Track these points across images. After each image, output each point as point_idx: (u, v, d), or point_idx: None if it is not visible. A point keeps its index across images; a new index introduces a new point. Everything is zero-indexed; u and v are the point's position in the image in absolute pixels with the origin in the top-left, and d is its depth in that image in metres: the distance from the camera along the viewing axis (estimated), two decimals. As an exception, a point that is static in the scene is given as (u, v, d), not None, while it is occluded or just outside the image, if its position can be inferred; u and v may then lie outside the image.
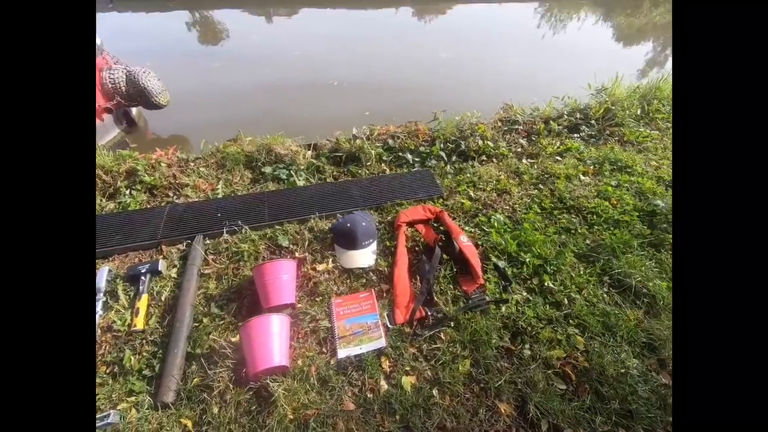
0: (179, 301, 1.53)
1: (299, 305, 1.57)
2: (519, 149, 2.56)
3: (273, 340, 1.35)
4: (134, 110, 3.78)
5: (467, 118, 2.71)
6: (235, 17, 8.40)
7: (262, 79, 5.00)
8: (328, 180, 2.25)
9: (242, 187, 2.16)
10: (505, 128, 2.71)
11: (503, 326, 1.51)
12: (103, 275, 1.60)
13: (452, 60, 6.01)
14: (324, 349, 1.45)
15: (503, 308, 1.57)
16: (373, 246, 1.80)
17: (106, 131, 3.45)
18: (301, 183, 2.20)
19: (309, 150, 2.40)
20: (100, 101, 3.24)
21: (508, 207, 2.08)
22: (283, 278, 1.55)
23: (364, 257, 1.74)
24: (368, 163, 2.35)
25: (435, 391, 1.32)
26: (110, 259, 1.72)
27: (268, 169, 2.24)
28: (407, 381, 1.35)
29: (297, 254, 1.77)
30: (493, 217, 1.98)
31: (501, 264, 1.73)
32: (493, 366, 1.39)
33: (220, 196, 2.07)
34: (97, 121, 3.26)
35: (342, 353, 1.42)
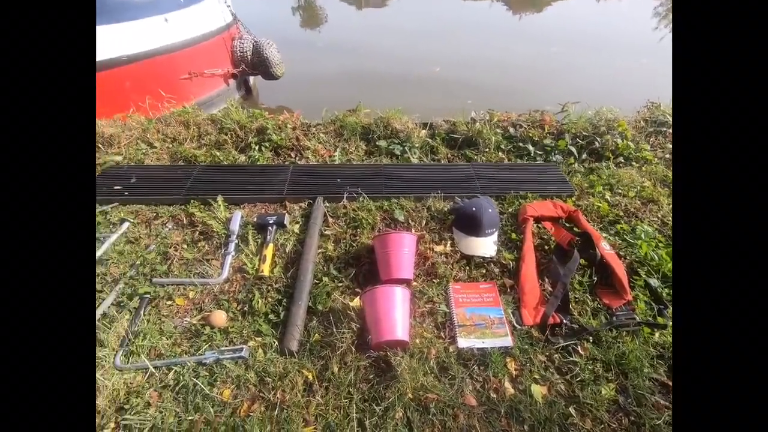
0: (302, 256, 1.57)
1: (414, 283, 1.50)
2: (668, 155, 2.17)
3: (396, 312, 1.29)
4: (251, 79, 4.11)
5: (603, 113, 2.38)
6: (333, 4, 8.69)
7: (359, 64, 5.08)
8: (441, 161, 2.15)
9: (357, 157, 2.16)
10: (650, 129, 2.32)
11: (658, 356, 1.27)
12: (236, 220, 1.71)
13: (562, 54, 5.46)
14: (442, 334, 1.36)
15: (657, 335, 1.32)
16: (495, 236, 1.65)
17: (228, 96, 3.79)
18: (414, 160, 2.13)
19: (424, 129, 2.31)
20: (229, 67, 3.58)
21: (656, 219, 1.76)
22: (404, 252, 1.49)
23: (486, 246, 1.60)
24: (486, 150, 2.19)
25: (572, 410, 1.15)
26: (242, 206, 1.83)
27: (383, 143, 2.21)
28: (537, 390, 1.20)
29: (413, 230, 1.70)
30: (639, 227, 1.69)
31: (653, 283, 1.46)
32: (648, 400, 1.16)
33: (337, 162, 2.10)
34: (223, 85, 3.62)
35: (463, 342, 1.31)
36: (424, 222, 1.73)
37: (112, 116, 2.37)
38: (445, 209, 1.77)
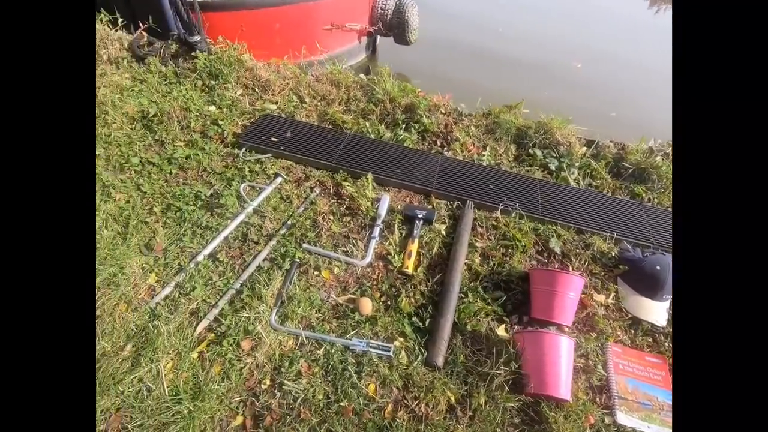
0: (450, 265, 1.48)
1: (567, 329, 1.36)
2: None
3: (561, 366, 1.17)
4: (378, 39, 3.94)
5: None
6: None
7: (486, 41, 4.60)
8: (602, 190, 1.88)
9: (506, 162, 1.97)
10: None
11: None
12: (385, 204, 1.66)
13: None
14: (597, 399, 1.22)
15: None
16: (669, 303, 1.42)
17: (357, 54, 3.68)
18: (571, 182, 1.88)
19: (587, 147, 2.03)
20: (366, 23, 3.44)
21: None
22: (569, 295, 1.34)
23: (659, 313, 1.39)
24: (660, 190, 1.87)
25: None
26: (387, 188, 1.77)
27: (538, 152, 1.98)
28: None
29: (571, 268, 1.53)
30: None
31: None
32: None
33: (484, 163, 1.93)
34: (355, 42, 3.51)
35: (623, 419, 1.17)
36: (585, 262, 1.54)
37: (260, 56, 2.38)
38: (612, 254, 1.55)
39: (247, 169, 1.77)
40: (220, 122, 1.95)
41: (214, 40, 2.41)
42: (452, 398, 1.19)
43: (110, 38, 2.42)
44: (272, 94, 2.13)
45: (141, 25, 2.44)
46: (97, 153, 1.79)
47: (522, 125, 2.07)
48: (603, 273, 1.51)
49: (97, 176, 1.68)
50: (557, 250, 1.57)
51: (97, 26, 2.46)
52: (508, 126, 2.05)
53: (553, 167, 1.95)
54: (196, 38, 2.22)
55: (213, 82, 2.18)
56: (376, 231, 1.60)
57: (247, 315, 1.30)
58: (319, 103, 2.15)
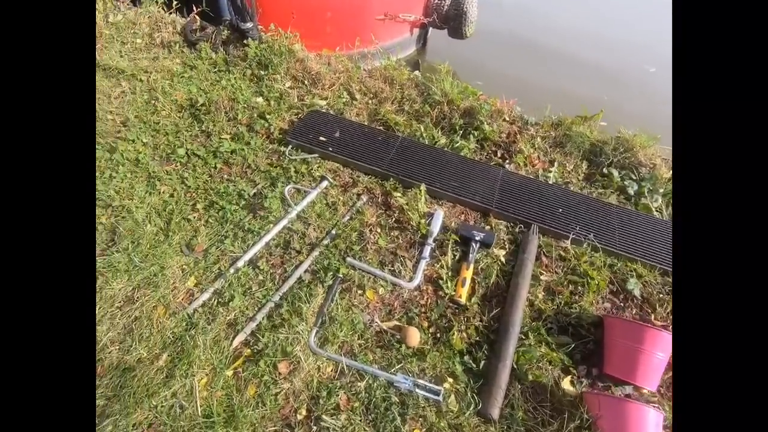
0: (510, 299, 1.31)
1: (646, 390, 1.16)
2: None
3: (647, 443, 0.99)
4: (430, 32, 3.71)
5: None
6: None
7: (545, 38, 4.21)
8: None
9: (576, 181, 1.74)
10: None
11: None
12: (438, 220, 1.50)
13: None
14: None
15: None
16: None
17: (408, 46, 3.47)
18: (654, 210, 1.63)
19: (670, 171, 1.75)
20: (420, 15, 3.24)
21: None
22: (656, 355, 1.13)
23: None
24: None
25: None
26: (440, 203, 1.61)
27: (615, 173, 1.73)
28: None
29: (653, 317, 1.31)
30: None
31: None
32: None
33: (550, 181, 1.72)
34: (407, 34, 3.32)
35: None
36: (669, 313, 1.31)
37: (311, 46, 2.26)
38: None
39: (292, 169, 1.67)
40: (267, 116, 1.85)
41: (266, 27, 2.32)
42: (508, 460, 1.04)
43: (164, 21, 2.39)
44: (322, 89, 2.01)
45: (195, 8, 2.39)
46: (145, 141, 1.77)
47: (597, 140, 1.82)
48: (694, 328, 1.28)
49: (144, 165, 1.65)
50: (636, 293, 1.35)
51: (152, 8, 2.44)
52: (580, 140, 1.81)
53: (631, 191, 1.69)
54: (248, 25, 2.13)
55: (262, 72, 2.08)
56: (427, 250, 1.45)
57: (286, 334, 1.21)
58: (370, 101, 2.01)
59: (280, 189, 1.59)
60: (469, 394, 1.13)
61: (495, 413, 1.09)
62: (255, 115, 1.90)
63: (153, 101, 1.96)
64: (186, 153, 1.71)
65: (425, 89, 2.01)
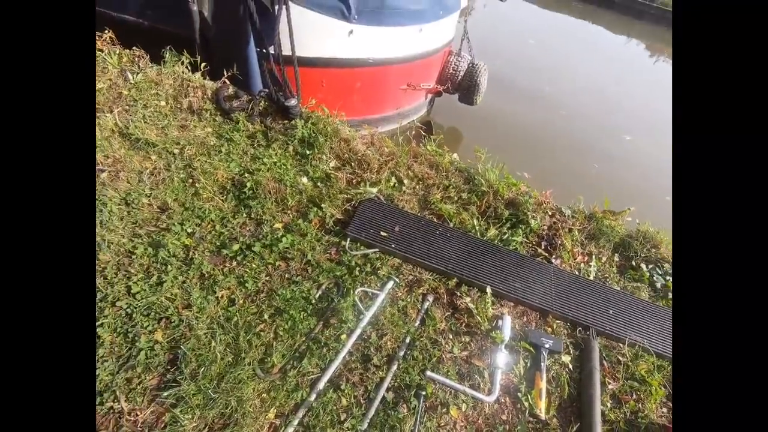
0: (585, 412, 1.37)
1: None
2: None
3: None
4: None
5: None
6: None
7: (534, 113, 4.60)
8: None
9: (611, 275, 1.90)
10: None
11: None
12: (507, 326, 1.55)
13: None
14: None
15: None
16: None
17: (422, 109, 3.63)
18: (679, 305, 1.82)
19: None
20: (437, 83, 3.40)
21: None
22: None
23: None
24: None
25: None
26: (503, 302, 1.67)
27: (644, 266, 1.92)
28: None
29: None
30: None
31: None
32: None
33: (591, 276, 1.86)
34: (422, 99, 3.46)
35: None
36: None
37: (339, 111, 2.26)
38: None
39: (355, 267, 1.64)
40: (322, 204, 1.81)
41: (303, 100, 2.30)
42: None
43: (192, 84, 2.28)
44: (370, 172, 2.02)
45: (225, 72, 2.31)
46: (191, 230, 1.64)
47: (625, 234, 2.02)
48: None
49: (196, 264, 1.52)
50: (688, 397, 1.49)
51: (177, 68, 2.32)
52: (611, 233, 2.00)
53: (659, 285, 1.89)
54: (292, 102, 2.10)
55: (307, 151, 2.05)
56: (501, 359, 1.48)
57: (384, 471, 1.16)
58: (417, 186, 2.05)
59: (347, 290, 1.55)
60: None
61: None
62: (304, 200, 1.86)
63: (191, 180, 1.83)
64: (240, 248, 1.61)
65: (469, 177, 2.10)
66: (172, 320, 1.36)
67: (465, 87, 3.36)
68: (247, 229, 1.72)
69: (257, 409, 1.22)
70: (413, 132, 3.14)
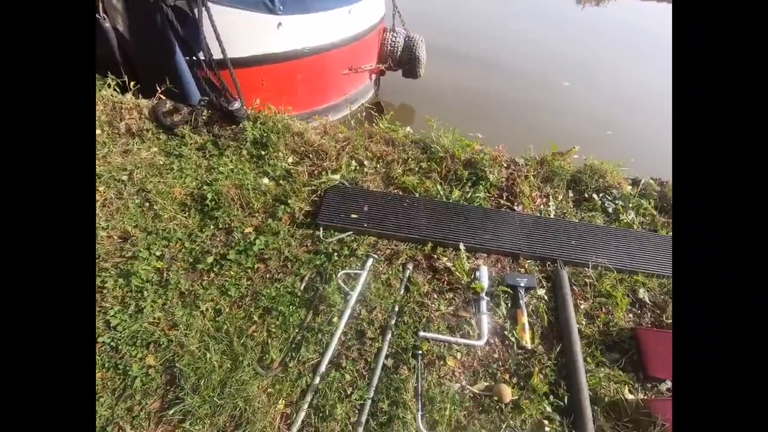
0: (565, 335, 1.52)
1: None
2: None
3: None
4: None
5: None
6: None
7: (476, 77, 4.72)
8: (659, 230, 2.03)
9: (569, 210, 2.06)
10: None
11: None
12: (485, 276, 1.66)
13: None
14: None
15: None
16: None
17: (366, 93, 3.61)
18: (635, 225, 2.01)
19: (632, 186, 2.18)
20: (377, 62, 3.39)
21: None
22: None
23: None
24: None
25: None
26: (477, 255, 1.78)
27: (595, 196, 2.10)
28: None
29: (664, 317, 1.64)
30: None
31: None
32: None
33: (551, 215, 2.01)
34: (367, 81, 3.45)
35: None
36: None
37: (285, 106, 2.24)
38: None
39: (333, 253, 1.67)
40: (288, 201, 1.82)
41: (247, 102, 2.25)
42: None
43: (125, 106, 2.16)
44: (329, 161, 2.04)
45: (158, 88, 2.21)
46: (160, 253, 1.60)
47: (575, 171, 2.18)
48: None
49: (173, 284, 1.50)
50: (647, 299, 1.69)
51: (104, 92, 2.18)
52: (562, 173, 2.15)
53: (611, 210, 2.08)
54: (236, 105, 2.05)
55: (261, 152, 2.03)
56: (484, 305, 1.60)
57: (397, 428, 1.24)
58: (378, 165, 2.10)
59: (329, 276, 1.59)
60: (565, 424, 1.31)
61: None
62: (270, 200, 1.85)
63: (148, 204, 1.77)
64: (215, 259, 1.60)
65: (425, 146, 2.17)
66: (161, 343, 1.35)
67: (406, 61, 3.41)
68: (218, 239, 1.70)
69: (265, 404, 1.26)
70: (364, 114, 3.16)
